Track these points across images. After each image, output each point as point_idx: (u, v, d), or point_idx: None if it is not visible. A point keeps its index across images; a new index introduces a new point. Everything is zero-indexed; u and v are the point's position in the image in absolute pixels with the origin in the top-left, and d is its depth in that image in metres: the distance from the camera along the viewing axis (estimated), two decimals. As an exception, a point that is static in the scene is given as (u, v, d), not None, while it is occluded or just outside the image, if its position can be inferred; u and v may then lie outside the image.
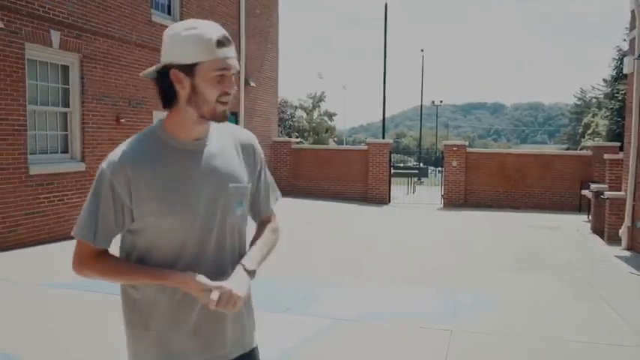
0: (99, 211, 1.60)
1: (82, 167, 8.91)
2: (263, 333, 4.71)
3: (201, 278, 1.55)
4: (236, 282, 1.59)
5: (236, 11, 13.85)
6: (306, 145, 21.46)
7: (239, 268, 1.65)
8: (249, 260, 1.69)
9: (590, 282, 6.64)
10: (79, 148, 8.97)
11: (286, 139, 17.41)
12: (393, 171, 16.37)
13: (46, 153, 8.53)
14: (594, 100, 42.66)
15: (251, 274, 1.67)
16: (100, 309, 5.16)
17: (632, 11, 9.53)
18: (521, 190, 14.53)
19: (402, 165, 28.32)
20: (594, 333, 4.78)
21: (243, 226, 1.76)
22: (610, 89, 28.57)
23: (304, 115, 42.94)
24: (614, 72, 26.83)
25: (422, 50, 44.75)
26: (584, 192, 12.06)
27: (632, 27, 9.66)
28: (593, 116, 37.08)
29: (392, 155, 16.32)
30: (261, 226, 1.87)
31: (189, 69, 1.56)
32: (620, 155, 10.83)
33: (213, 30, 1.57)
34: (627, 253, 8.53)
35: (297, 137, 34.62)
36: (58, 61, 8.64)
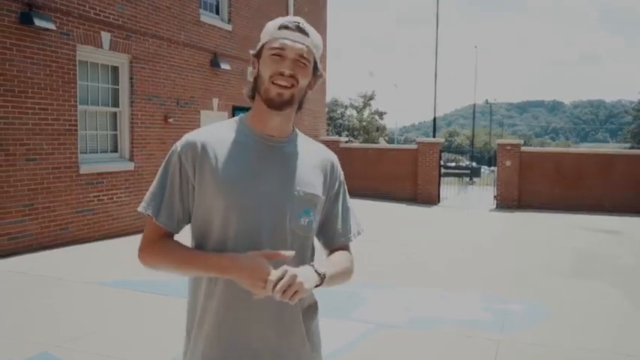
0: (165, 186, 1.56)
1: (130, 166, 9.07)
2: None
3: (261, 260, 1.41)
4: (302, 272, 1.40)
5: (284, 10, 13.82)
6: (354, 144, 21.29)
7: (307, 267, 1.47)
8: (320, 264, 1.51)
9: (654, 291, 6.18)
10: (128, 148, 9.13)
11: (335, 137, 17.26)
12: (443, 171, 15.97)
13: (96, 152, 8.72)
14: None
15: (320, 276, 1.47)
16: (139, 308, 5.18)
17: None
18: (580, 191, 13.84)
19: (453, 164, 27.69)
20: (658, 348, 4.41)
21: (309, 238, 1.59)
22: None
23: (355, 113, 42.76)
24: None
25: (475, 47, 43.74)
26: (649, 194, 11.35)
27: None
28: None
29: (443, 154, 15.90)
30: (335, 252, 1.68)
31: (258, 53, 1.57)
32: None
33: (289, 18, 1.58)
34: (696, 261, 7.94)
35: (347, 136, 34.48)
36: (108, 62, 8.81)
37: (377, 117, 43.26)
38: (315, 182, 1.59)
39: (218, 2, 11.50)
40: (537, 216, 12.70)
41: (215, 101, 11.19)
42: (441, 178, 15.62)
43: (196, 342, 1.56)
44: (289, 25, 1.53)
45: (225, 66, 11.14)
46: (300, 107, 1.61)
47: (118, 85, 9.00)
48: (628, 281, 6.63)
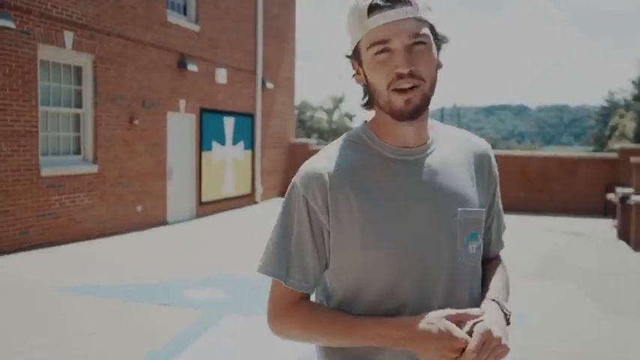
0: (291, 237, 1.20)
1: (94, 169, 8.84)
2: (274, 340, 4.53)
3: (448, 325, 1.07)
4: (495, 323, 1.09)
5: (253, 12, 13.71)
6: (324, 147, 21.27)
7: (491, 305, 1.15)
8: (496, 294, 1.20)
9: (619, 293, 6.30)
10: (92, 150, 8.90)
11: (304, 140, 17.22)
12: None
13: (58, 154, 8.47)
14: (622, 102, 41.77)
15: (506, 315, 1.16)
16: (100, 313, 5.04)
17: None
18: (545, 194, 14.11)
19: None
20: (626, 349, 4.48)
21: (478, 269, 1.24)
22: (638, 91, 27.83)
23: (324, 116, 42.80)
24: (643, 72, 26.12)
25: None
26: (610, 196, 11.63)
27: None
28: (620, 118, 36.24)
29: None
30: (490, 265, 1.32)
31: (356, 54, 1.19)
32: (649, 158, 10.40)
33: None
34: (656, 261, 8.15)
35: (317, 139, 34.50)
36: (71, 62, 8.58)
37: (347, 119, 43.40)
38: (474, 195, 1.22)
39: (186, 3, 11.33)
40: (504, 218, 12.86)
41: (182, 103, 11.02)
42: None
43: None
44: (380, 2, 1.11)
45: (192, 67, 10.98)
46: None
47: (81, 85, 8.77)
48: (594, 283, 6.74)
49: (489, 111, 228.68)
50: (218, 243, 9.04)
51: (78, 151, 8.80)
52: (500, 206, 1.37)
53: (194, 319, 5.00)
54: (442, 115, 47.61)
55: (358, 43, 1.16)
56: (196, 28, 11.37)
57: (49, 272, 6.57)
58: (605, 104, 49.66)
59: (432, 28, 1.15)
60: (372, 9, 1.11)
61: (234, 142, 13.18)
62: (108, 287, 5.98)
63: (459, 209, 1.17)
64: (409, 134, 1.19)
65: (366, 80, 1.18)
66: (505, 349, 1.07)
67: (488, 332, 1.05)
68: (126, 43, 9.44)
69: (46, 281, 6.12)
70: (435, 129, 1.26)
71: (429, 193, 1.17)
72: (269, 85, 14.56)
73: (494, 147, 20.17)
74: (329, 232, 1.17)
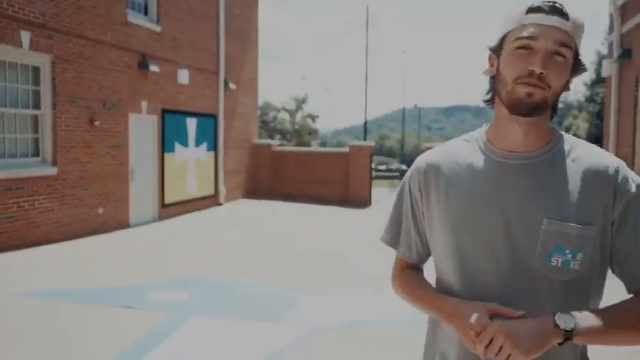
0: (399, 214, 1.43)
1: (53, 171, 8.67)
2: (239, 342, 4.59)
3: (480, 312, 1.15)
4: (518, 328, 1.11)
5: (215, 12, 13.66)
6: (286, 147, 21.31)
7: (543, 317, 1.14)
8: (570, 316, 1.13)
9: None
10: (51, 152, 8.73)
11: (267, 141, 17.24)
12: (374, 173, 16.30)
13: (15, 157, 8.28)
14: (575, 103, 43.21)
15: (563, 332, 1.11)
16: (62, 317, 4.99)
17: (611, 15, 9.57)
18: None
19: (384, 167, 28.31)
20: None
21: (575, 286, 1.19)
22: (590, 92, 28.86)
23: (287, 117, 42.81)
24: (594, 75, 27.09)
25: (404, 52, 44.93)
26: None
27: (611, 30, 9.70)
28: (574, 119, 37.47)
29: (375, 157, 16.23)
30: (634, 297, 1.21)
31: (498, 47, 1.24)
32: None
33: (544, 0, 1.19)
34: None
35: (279, 140, 34.48)
36: (28, 62, 8.40)
37: (310, 120, 43.51)
38: (580, 208, 1.18)
39: (146, 3, 11.21)
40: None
41: (144, 104, 10.91)
42: (373, 181, 15.92)
43: None
44: (542, 6, 1.17)
45: (154, 68, 10.88)
46: (554, 113, 1.27)
47: (39, 86, 8.59)
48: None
49: (450, 112, 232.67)
50: (181, 245, 9.00)
51: (36, 153, 8.62)
52: None
53: (158, 321, 5.01)
54: (404, 116, 48.21)
55: (507, 33, 1.21)
56: (157, 28, 11.27)
57: (8, 276, 6.43)
58: (560, 105, 51.28)
59: (576, 51, 1.20)
60: (534, 9, 1.18)
61: (197, 143, 13.11)
62: (69, 291, 5.91)
63: (545, 219, 1.17)
64: (517, 139, 1.23)
65: (497, 72, 1.23)
66: (515, 354, 1.09)
67: (497, 331, 1.11)
68: (85, 43, 9.29)
69: (4, 286, 6.00)
70: (564, 142, 1.26)
71: (521, 198, 1.20)
72: (232, 86, 14.53)
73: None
74: (423, 214, 1.35)
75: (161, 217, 11.51)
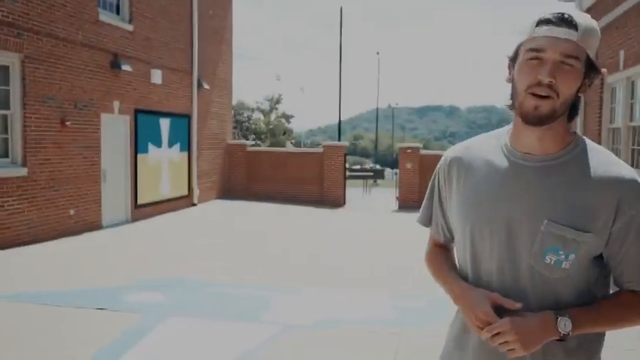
0: (431, 198, 1.58)
1: (23, 172, 8.54)
2: (213, 342, 4.61)
3: (481, 304, 1.29)
4: (527, 327, 1.24)
5: (188, 11, 13.60)
6: (261, 147, 21.31)
7: (546, 314, 1.27)
8: (568, 319, 1.26)
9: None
10: (21, 152, 8.59)
11: (241, 141, 17.23)
12: (349, 173, 16.40)
13: (-16, 157, 8.13)
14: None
15: (558, 333, 1.25)
16: (35, 320, 4.94)
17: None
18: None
19: (358, 167, 28.48)
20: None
21: (564, 283, 1.30)
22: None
23: (261, 117, 42.70)
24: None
25: (378, 53, 45.24)
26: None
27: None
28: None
29: (349, 157, 16.33)
30: (617, 296, 1.35)
31: (514, 57, 1.33)
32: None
33: (552, 9, 1.27)
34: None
35: (254, 140, 34.39)
36: (-3, 62, 8.26)
37: (284, 120, 43.49)
38: (581, 215, 1.26)
39: (118, 2, 11.10)
40: None
41: (116, 104, 10.80)
42: (347, 181, 16.03)
43: None
44: (551, 18, 1.25)
45: (126, 67, 10.78)
46: (572, 115, 1.33)
47: (8, 86, 8.45)
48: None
49: (422, 112, 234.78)
50: (155, 246, 8.95)
51: (6, 154, 8.48)
52: None
53: (133, 322, 5.00)
54: (377, 116, 48.55)
55: (520, 45, 1.30)
56: (130, 27, 11.17)
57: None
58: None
59: (588, 57, 1.26)
60: (543, 21, 1.26)
61: (171, 143, 13.03)
62: (42, 294, 5.85)
63: (546, 220, 1.26)
64: (532, 143, 1.32)
65: (513, 81, 1.33)
66: (517, 349, 1.24)
67: (506, 326, 1.25)
68: (56, 42, 9.17)
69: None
70: (582, 148, 1.33)
71: (526, 198, 1.30)
72: (205, 86, 14.48)
73: (426, 147, 20.84)
74: (447, 201, 1.50)
75: (134, 219, 11.41)
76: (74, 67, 9.60)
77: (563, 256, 1.27)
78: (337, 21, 23.22)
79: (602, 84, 8.71)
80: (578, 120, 9.69)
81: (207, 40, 14.77)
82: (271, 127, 41.50)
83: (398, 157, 15.69)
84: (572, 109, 1.31)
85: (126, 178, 11.29)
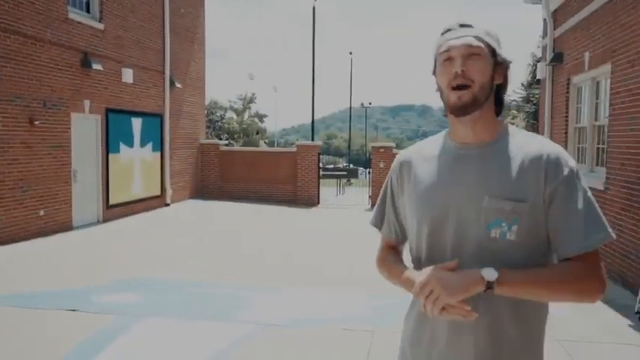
0: (383, 201, 1.69)
1: (-9, 172, 8.37)
2: (185, 343, 4.61)
3: (420, 275, 1.40)
4: (447, 275, 1.34)
5: (160, 10, 13.47)
6: (234, 147, 21.22)
7: (473, 270, 1.35)
8: (494, 270, 1.34)
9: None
10: (-12, 152, 8.42)
11: (214, 141, 17.13)
12: (322, 172, 16.45)
13: (-50, 158, 7.95)
14: (513, 104, 44.76)
15: (486, 282, 1.33)
16: (5, 323, 4.87)
17: (545, 20, 10.06)
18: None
19: (332, 166, 28.58)
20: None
21: (507, 251, 1.40)
22: (527, 93, 30.04)
23: (234, 116, 42.50)
24: (530, 77, 28.24)
25: (350, 53, 45.41)
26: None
27: (545, 35, 10.20)
28: (513, 118, 38.87)
29: (322, 157, 16.38)
30: (561, 263, 1.42)
31: (434, 69, 1.53)
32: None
33: (453, 20, 1.51)
34: None
35: (227, 139, 34.20)
36: (-38, 60, 8.08)
37: (257, 120, 43.36)
38: (516, 188, 1.40)
39: (89, 0, 10.94)
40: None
41: (87, 103, 10.65)
42: (320, 180, 16.09)
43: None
44: (451, 26, 1.49)
45: (97, 66, 10.64)
46: (500, 106, 1.51)
47: (-26, 84, 8.27)
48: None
49: (395, 111, 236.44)
50: (127, 246, 8.86)
51: (-28, 154, 8.30)
52: (577, 209, 1.39)
53: (105, 323, 4.96)
54: (350, 115, 48.75)
55: (436, 57, 1.50)
56: (100, 26, 11.02)
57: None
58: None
59: (492, 51, 1.46)
60: (446, 31, 1.49)
61: (143, 143, 12.90)
62: (11, 295, 5.76)
63: (487, 197, 1.41)
64: (467, 134, 1.49)
65: (439, 87, 1.49)
66: (441, 296, 1.32)
67: (431, 278, 1.35)
68: (24, 40, 9.00)
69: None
70: (511, 134, 1.50)
71: (470, 181, 1.45)
72: (178, 85, 14.37)
73: (399, 147, 21.02)
74: (400, 201, 1.62)
75: (106, 219, 11.27)
76: (43, 66, 9.44)
77: (506, 228, 1.39)
78: (311, 20, 23.25)
79: (567, 85, 8.94)
80: (546, 120, 9.91)
81: (180, 39, 14.66)
82: (244, 126, 41.34)
83: (371, 156, 15.81)
84: (498, 103, 1.51)
85: (97, 178, 11.15)
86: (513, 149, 1.45)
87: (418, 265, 1.55)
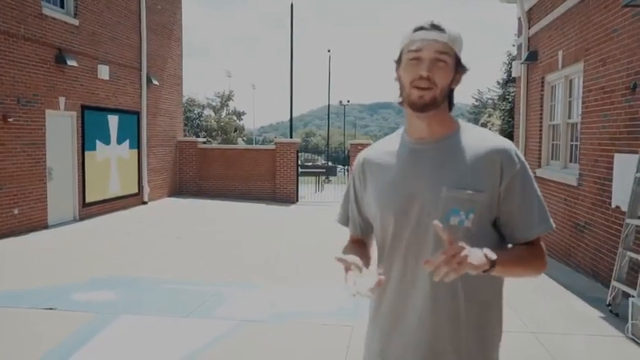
0: (347, 199, 1.77)
1: (-37, 170, 8.21)
2: (164, 340, 4.60)
3: (352, 258, 1.48)
4: (473, 252, 1.34)
5: (136, 6, 13.33)
6: (212, 144, 21.10)
7: (476, 249, 1.37)
8: (494, 252, 1.39)
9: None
10: (-40, 150, 8.25)
11: (192, 138, 17.01)
12: (301, 170, 16.48)
13: None
14: (490, 102, 45.28)
15: (490, 260, 1.36)
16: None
17: (519, 19, 10.21)
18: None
19: (310, 164, 28.61)
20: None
21: (470, 242, 1.41)
22: (503, 91, 30.43)
23: (212, 114, 42.21)
24: (506, 75, 28.61)
25: (329, 51, 45.47)
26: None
27: (520, 33, 10.36)
28: (489, 116, 39.30)
29: (301, 154, 16.39)
30: (519, 246, 1.57)
31: (399, 59, 1.57)
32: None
33: (425, 18, 1.54)
34: None
35: (205, 137, 33.97)
36: None
37: (235, 117, 43.13)
38: (473, 179, 1.50)
39: (63, -5, 10.78)
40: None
41: (62, 100, 10.50)
42: (299, 177, 16.11)
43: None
44: (424, 25, 1.52)
45: (72, 63, 10.50)
46: (451, 105, 1.60)
47: (-55, 80, 8.10)
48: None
49: (373, 109, 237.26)
50: (103, 245, 8.77)
51: (-57, 152, 8.13)
52: (534, 201, 1.53)
53: (83, 321, 4.92)
54: (328, 113, 48.82)
55: (402, 49, 1.55)
56: (75, 22, 10.87)
57: None
58: (476, 103, 53.65)
59: (457, 58, 1.53)
60: (418, 28, 1.52)
61: (119, 140, 12.76)
62: (-14, 295, 5.66)
63: (445, 187, 1.49)
64: (423, 129, 1.57)
65: (399, 79, 1.56)
66: (463, 264, 1.30)
67: (461, 247, 1.33)
68: (-3, 35, 8.84)
69: None
70: (465, 130, 1.59)
71: (425, 175, 1.53)
72: (155, 82, 14.24)
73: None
74: (363, 198, 1.69)
75: (82, 217, 11.13)
76: (16, 62, 9.28)
77: (463, 216, 1.49)
78: (289, 18, 23.21)
79: (542, 83, 9.09)
80: (521, 117, 10.07)
81: (156, 36, 14.53)
82: (222, 124, 41.09)
83: (349, 153, 15.87)
84: (449, 102, 1.59)
85: (73, 176, 11.00)
86: (468, 143, 1.55)
87: (382, 255, 1.64)
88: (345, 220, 1.81)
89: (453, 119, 1.61)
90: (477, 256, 1.35)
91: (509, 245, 1.59)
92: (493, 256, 1.38)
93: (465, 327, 1.53)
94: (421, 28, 1.52)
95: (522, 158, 1.55)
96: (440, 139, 1.57)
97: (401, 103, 1.60)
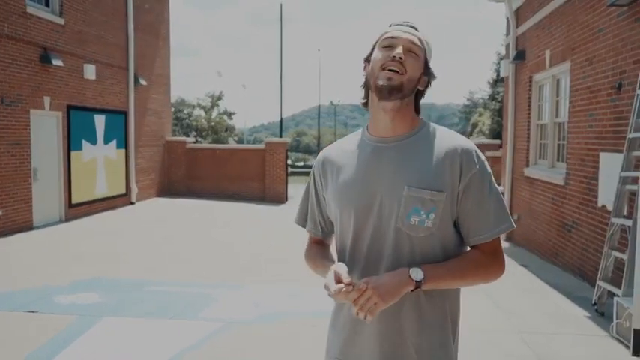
0: (308, 199, 1.74)
1: (-55, 171, 8.10)
2: (149, 341, 4.54)
3: (338, 267, 1.46)
4: (382, 282, 1.39)
5: (123, 5, 13.22)
6: (201, 144, 20.99)
7: (399, 269, 1.43)
8: (419, 269, 1.42)
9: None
10: (-58, 151, 8.14)
11: (181, 138, 16.91)
12: (291, 170, 16.44)
13: None
14: (480, 101, 45.43)
15: (412, 281, 1.40)
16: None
17: (507, 18, 10.22)
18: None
19: (301, 164, 28.58)
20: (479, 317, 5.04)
21: (426, 238, 1.49)
22: (492, 91, 30.53)
23: (203, 114, 42.04)
24: (495, 75, 28.70)
25: (319, 50, 45.49)
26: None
27: (508, 33, 10.37)
28: (479, 116, 39.45)
29: (292, 154, 16.33)
30: (466, 252, 1.56)
31: (369, 54, 1.58)
32: (500, 152, 11.58)
33: (401, 19, 1.59)
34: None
35: (195, 137, 33.83)
36: None
37: (226, 117, 42.98)
38: (434, 179, 1.48)
39: (48, -7, 10.67)
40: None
41: (47, 100, 10.39)
42: (289, 178, 16.05)
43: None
44: (400, 22, 1.57)
45: (57, 62, 10.38)
46: (417, 108, 1.60)
47: None
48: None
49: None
50: (89, 246, 8.68)
51: None
52: (491, 202, 1.51)
53: (66, 323, 4.85)
54: (319, 113, 48.83)
55: (375, 44, 1.56)
56: (61, 20, 10.76)
57: None
58: (467, 103, 53.83)
59: (426, 60, 1.56)
60: (394, 24, 1.57)
61: (106, 140, 12.65)
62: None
63: (406, 187, 1.47)
64: (386, 126, 1.55)
65: (370, 69, 1.54)
66: (377, 304, 1.37)
67: (354, 284, 1.39)
68: (-20, 34, 8.73)
69: None
70: (428, 129, 1.57)
71: (387, 173, 1.52)
72: (142, 82, 14.13)
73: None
74: (324, 198, 1.67)
75: (68, 218, 11.02)
76: (0, 61, 9.16)
77: (424, 216, 1.47)
78: (275, 16, 23.16)
79: (530, 83, 9.10)
80: (510, 117, 10.08)
81: (144, 35, 14.42)
82: (213, 124, 40.94)
83: (339, 153, 15.82)
84: (416, 104, 1.59)
85: (59, 176, 10.89)
86: (429, 142, 1.54)
87: (343, 255, 1.61)
88: (302, 221, 1.79)
89: (416, 118, 1.61)
90: (388, 289, 1.38)
91: (468, 248, 1.58)
92: (418, 276, 1.41)
93: (427, 325, 1.52)
94: (397, 24, 1.56)
95: (483, 158, 1.55)
96: (402, 138, 1.55)
97: (365, 104, 1.61)
